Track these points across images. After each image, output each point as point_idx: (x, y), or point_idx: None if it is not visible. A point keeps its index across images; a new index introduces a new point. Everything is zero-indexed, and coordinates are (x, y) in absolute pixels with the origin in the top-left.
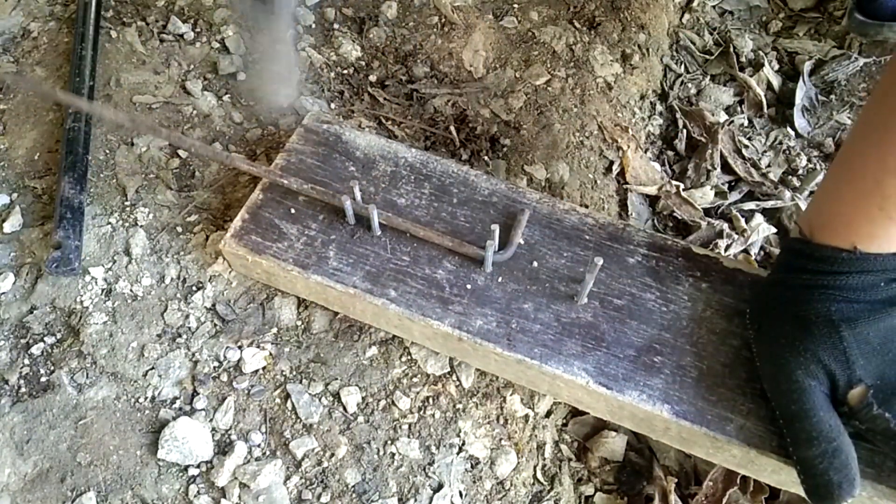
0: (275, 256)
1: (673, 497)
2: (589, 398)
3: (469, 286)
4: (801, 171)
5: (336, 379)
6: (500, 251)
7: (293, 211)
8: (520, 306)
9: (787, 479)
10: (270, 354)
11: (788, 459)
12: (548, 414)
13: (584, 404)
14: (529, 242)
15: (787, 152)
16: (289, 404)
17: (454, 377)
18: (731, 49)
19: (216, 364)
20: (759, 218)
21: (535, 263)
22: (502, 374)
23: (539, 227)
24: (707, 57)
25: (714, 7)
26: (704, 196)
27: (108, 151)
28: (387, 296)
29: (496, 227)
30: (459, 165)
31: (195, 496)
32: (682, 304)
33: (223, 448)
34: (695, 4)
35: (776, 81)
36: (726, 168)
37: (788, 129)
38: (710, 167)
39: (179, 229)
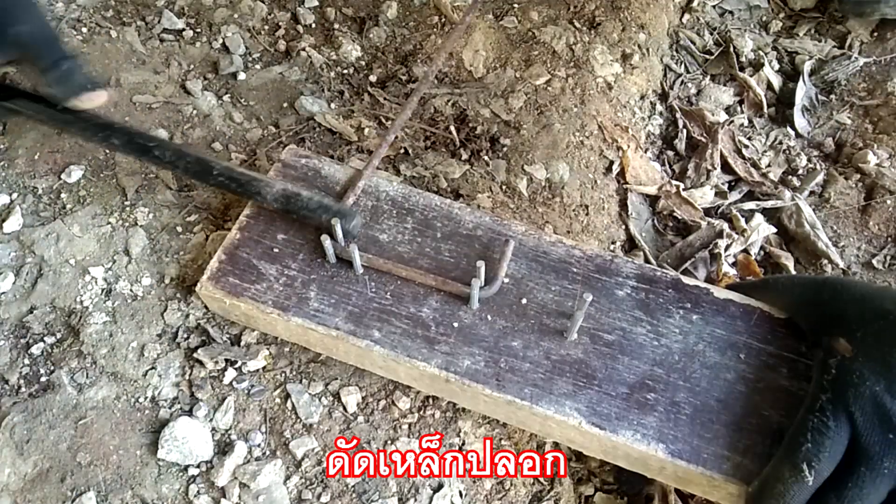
0: (253, 298)
1: (673, 497)
2: (582, 438)
3: (455, 324)
4: (801, 171)
5: (336, 379)
6: (485, 286)
7: (272, 250)
8: (508, 344)
9: None
10: (270, 354)
11: None
12: None
13: (577, 444)
14: (516, 277)
15: (787, 152)
16: (289, 404)
17: None
18: (731, 49)
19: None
20: (759, 218)
21: (524, 299)
22: (492, 415)
23: (525, 260)
24: (707, 57)
25: (714, 7)
26: (704, 196)
27: (107, 151)
28: (370, 337)
29: (482, 264)
30: (442, 199)
31: (195, 496)
32: (674, 338)
33: (223, 448)
34: (695, 4)
35: (776, 81)
36: (726, 168)
37: (788, 129)
38: (710, 167)
39: (179, 229)
